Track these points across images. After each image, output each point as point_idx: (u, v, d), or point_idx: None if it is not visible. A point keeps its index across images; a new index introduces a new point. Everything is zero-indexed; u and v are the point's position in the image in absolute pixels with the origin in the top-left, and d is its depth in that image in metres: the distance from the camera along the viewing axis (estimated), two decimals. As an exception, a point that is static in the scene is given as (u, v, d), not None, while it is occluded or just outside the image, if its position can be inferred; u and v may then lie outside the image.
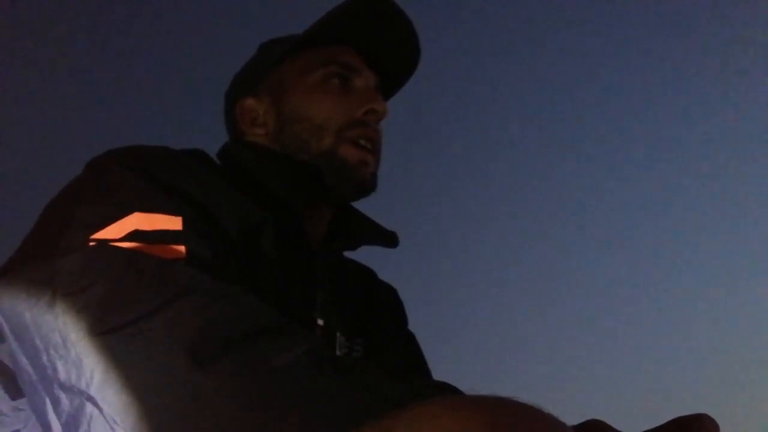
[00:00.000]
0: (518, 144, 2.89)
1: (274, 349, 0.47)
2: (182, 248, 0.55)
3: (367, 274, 0.94)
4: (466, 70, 2.79)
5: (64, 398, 0.50)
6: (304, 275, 0.77)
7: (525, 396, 0.42)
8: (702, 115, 2.79)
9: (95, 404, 0.47)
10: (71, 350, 0.49)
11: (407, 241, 0.89)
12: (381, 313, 0.91)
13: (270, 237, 0.68)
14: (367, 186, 0.82)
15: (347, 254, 0.93)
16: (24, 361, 0.54)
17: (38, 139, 2.26)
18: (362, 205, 0.88)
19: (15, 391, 0.59)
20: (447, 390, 0.59)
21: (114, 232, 0.55)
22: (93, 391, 0.47)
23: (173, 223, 0.57)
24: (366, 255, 0.92)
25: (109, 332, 0.48)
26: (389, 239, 0.86)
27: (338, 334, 0.79)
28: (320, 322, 0.77)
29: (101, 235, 0.55)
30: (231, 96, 0.90)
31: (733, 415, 2.43)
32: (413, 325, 0.96)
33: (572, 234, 2.86)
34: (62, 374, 0.50)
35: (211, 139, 0.86)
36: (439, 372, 0.93)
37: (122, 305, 0.49)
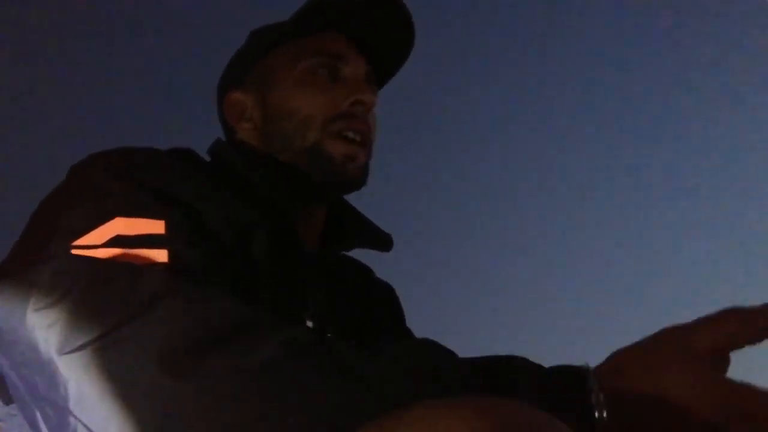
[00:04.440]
0: (514, 138, 2.89)
1: (247, 349, 0.46)
2: (164, 252, 0.55)
3: (363, 272, 0.94)
4: (463, 66, 2.79)
5: (49, 410, 0.50)
6: (295, 277, 0.76)
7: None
8: (700, 113, 2.79)
9: (76, 417, 0.47)
10: (45, 367, 0.49)
11: (403, 237, 0.88)
12: (379, 311, 0.90)
13: (261, 239, 0.67)
14: (354, 181, 0.79)
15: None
16: (12, 373, 0.54)
17: (38, 139, 2.26)
18: (357, 201, 0.87)
19: (7, 397, 0.59)
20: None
21: (95, 238, 0.55)
22: (71, 406, 0.47)
23: (155, 227, 0.56)
24: (362, 250, 0.91)
25: (78, 350, 0.48)
26: (383, 242, 0.85)
27: (329, 336, 0.79)
28: (310, 324, 0.76)
29: (83, 241, 0.55)
30: (221, 88, 0.87)
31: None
32: (410, 323, 0.96)
33: (570, 229, 2.86)
34: (42, 389, 0.50)
35: (210, 137, 0.85)
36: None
37: (90, 320, 0.49)
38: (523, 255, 2.85)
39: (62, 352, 0.48)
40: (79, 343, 0.48)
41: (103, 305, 0.50)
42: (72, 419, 0.47)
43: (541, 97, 2.83)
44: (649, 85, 2.77)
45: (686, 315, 0.53)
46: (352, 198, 0.86)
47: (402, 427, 0.39)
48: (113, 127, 2.32)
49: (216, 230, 0.61)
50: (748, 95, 2.62)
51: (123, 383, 0.46)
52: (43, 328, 0.49)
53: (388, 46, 0.84)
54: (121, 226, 0.55)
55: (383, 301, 0.92)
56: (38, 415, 0.51)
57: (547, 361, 0.54)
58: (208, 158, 0.80)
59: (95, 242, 0.54)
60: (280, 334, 0.47)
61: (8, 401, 0.59)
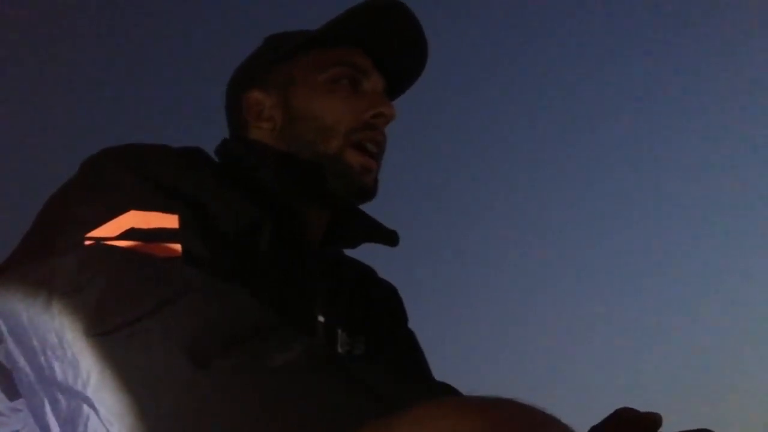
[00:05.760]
0: (516, 141, 2.89)
1: (273, 349, 0.46)
2: (178, 246, 0.55)
3: (366, 272, 0.94)
4: (463, 67, 2.79)
5: (61, 399, 0.50)
6: (303, 273, 0.77)
7: (525, 397, 0.42)
8: (700, 113, 2.79)
9: (91, 405, 0.47)
10: (68, 351, 0.49)
11: (407, 240, 0.89)
12: (380, 311, 0.90)
13: (266, 236, 0.68)
14: (368, 192, 0.82)
15: (347, 252, 0.93)
16: (22, 361, 0.54)
17: (38, 139, 2.26)
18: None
19: (13, 392, 0.59)
20: (446, 391, 0.59)
21: (110, 230, 0.55)
22: (89, 392, 0.47)
23: (169, 221, 0.57)
24: (366, 254, 0.92)
25: (105, 333, 0.48)
26: (389, 237, 0.86)
27: (339, 331, 0.80)
28: (321, 319, 0.77)
29: (97, 233, 0.55)
30: (234, 88, 0.89)
31: (732, 417, 2.44)
32: (414, 325, 0.96)
33: (571, 233, 2.86)
34: (59, 375, 0.49)
35: (211, 137, 0.86)
36: (439, 372, 0.93)
37: (119, 305, 0.49)
38: (524, 256, 2.85)
39: (90, 334, 0.48)
40: (108, 326, 0.48)
41: (132, 292, 0.50)
42: (86, 407, 0.47)
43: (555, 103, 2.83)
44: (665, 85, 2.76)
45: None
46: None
47: (407, 425, 0.40)
48: (114, 127, 2.32)
49: (223, 226, 0.62)
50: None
51: (146, 370, 0.46)
52: (71, 311, 0.50)
53: (401, 67, 0.88)
54: (135, 218, 0.56)
55: (385, 300, 0.93)
56: (47, 406, 0.51)
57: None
58: (216, 158, 0.81)
59: (109, 234, 0.55)
60: (299, 342, 0.48)
61: (13, 396, 0.59)
